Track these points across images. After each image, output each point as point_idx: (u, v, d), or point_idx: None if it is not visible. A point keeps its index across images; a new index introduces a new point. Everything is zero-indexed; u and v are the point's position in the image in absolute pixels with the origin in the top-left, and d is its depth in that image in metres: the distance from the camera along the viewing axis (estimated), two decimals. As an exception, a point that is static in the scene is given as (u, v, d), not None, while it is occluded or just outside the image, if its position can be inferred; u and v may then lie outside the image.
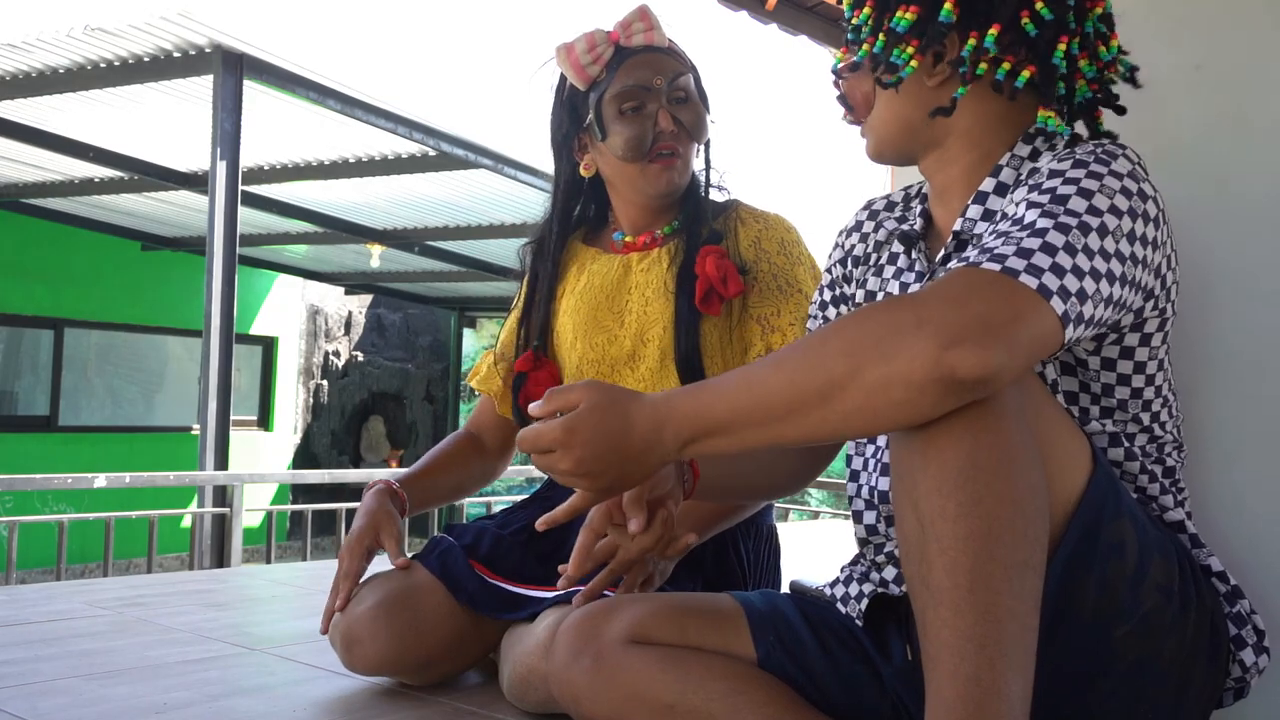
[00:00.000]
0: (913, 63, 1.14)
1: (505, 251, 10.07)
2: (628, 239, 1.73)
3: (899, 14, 1.14)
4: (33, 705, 1.48)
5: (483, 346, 13.49)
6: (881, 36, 1.16)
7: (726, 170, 1.77)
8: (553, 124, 1.75)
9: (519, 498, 1.89)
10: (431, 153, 7.09)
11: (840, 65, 1.25)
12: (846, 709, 1.18)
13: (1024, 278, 0.96)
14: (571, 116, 1.72)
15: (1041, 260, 0.97)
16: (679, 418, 1.03)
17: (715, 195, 1.76)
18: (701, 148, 1.73)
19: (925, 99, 1.18)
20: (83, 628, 2.02)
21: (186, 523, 7.95)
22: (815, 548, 3.94)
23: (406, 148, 7.12)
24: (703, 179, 1.75)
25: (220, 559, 5.59)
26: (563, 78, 1.72)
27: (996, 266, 0.97)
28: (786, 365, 0.98)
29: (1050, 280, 0.96)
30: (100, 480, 5.32)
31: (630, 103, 1.65)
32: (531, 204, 8.18)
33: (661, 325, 1.64)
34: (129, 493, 7.98)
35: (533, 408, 1.10)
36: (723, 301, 1.62)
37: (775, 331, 1.64)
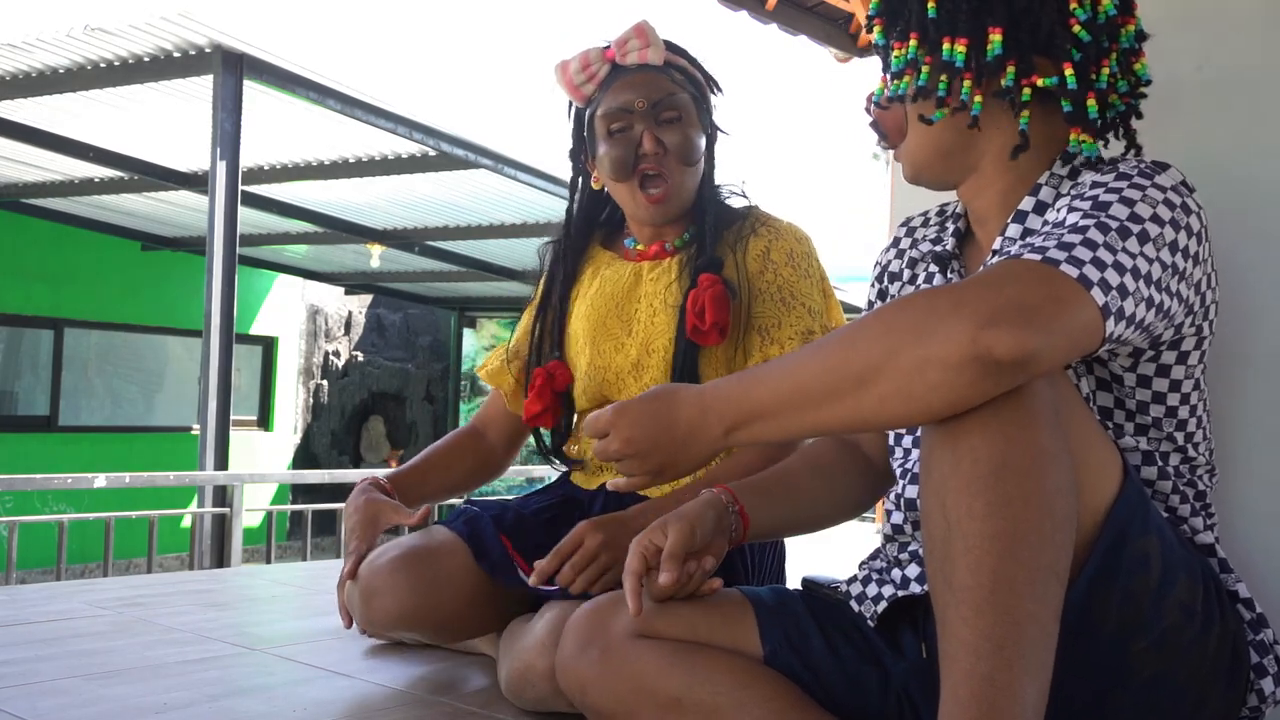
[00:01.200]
0: (977, 98, 1.13)
1: (505, 251, 10.07)
2: (640, 246, 1.75)
3: (949, 46, 1.13)
4: (33, 705, 1.48)
5: (483, 347, 13.50)
6: (925, 69, 1.15)
7: (745, 179, 1.78)
8: (571, 135, 1.79)
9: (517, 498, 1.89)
10: (431, 153, 7.08)
11: (880, 97, 1.23)
12: (852, 709, 1.18)
13: (1065, 267, 0.96)
14: (577, 132, 1.76)
15: (1083, 253, 0.97)
16: (723, 403, 1.06)
17: (733, 201, 1.77)
18: (700, 164, 1.73)
19: (958, 124, 1.17)
20: (83, 628, 2.02)
21: (186, 523, 7.95)
22: (818, 547, 3.94)
23: (406, 148, 7.12)
24: (721, 188, 1.76)
25: (220, 559, 5.59)
26: None
27: (1037, 257, 0.97)
28: (826, 350, 0.99)
29: (1091, 272, 0.96)
30: (100, 480, 5.32)
31: (616, 123, 1.66)
32: (531, 204, 8.18)
33: (667, 338, 1.65)
34: (129, 493, 7.98)
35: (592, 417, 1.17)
36: (716, 335, 1.58)
37: (774, 344, 1.63)
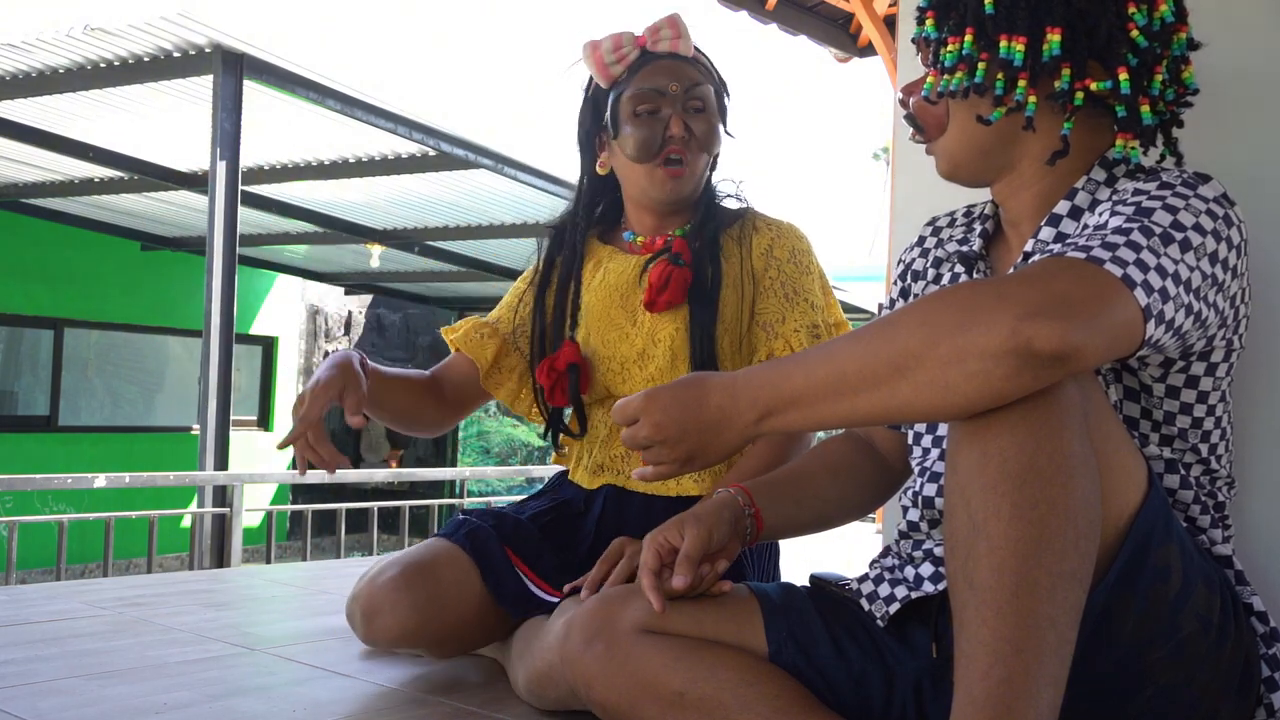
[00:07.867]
0: (1031, 98, 1.12)
1: (505, 251, 10.07)
2: (640, 239, 1.77)
3: (1007, 44, 1.11)
4: (33, 705, 1.48)
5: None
6: (981, 65, 1.13)
7: (743, 180, 1.80)
8: (579, 119, 1.80)
9: (518, 498, 1.89)
10: (431, 153, 7.09)
11: (929, 91, 1.21)
12: (856, 708, 1.18)
13: (1109, 266, 0.96)
14: (594, 113, 1.77)
15: (1126, 254, 0.97)
16: (755, 388, 1.04)
17: (730, 204, 1.80)
18: (712, 159, 1.76)
19: (1005, 124, 1.16)
20: (83, 628, 2.02)
21: (186, 523, 7.95)
22: (818, 547, 3.94)
23: (406, 148, 7.12)
24: (717, 187, 1.79)
25: (220, 559, 5.59)
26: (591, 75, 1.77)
27: (1081, 255, 0.97)
28: (864, 338, 0.98)
29: (1134, 273, 0.96)
30: (100, 480, 5.32)
31: (645, 105, 1.69)
32: (532, 204, 8.18)
33: (673, 327, 1.68)
34: (129, 493, 7.99)
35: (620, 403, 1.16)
36: (669, 306, 1.65)
37: (778, 338, 1.67)
